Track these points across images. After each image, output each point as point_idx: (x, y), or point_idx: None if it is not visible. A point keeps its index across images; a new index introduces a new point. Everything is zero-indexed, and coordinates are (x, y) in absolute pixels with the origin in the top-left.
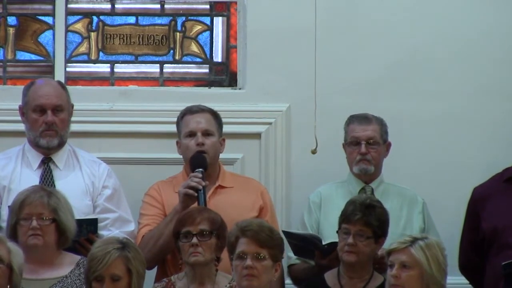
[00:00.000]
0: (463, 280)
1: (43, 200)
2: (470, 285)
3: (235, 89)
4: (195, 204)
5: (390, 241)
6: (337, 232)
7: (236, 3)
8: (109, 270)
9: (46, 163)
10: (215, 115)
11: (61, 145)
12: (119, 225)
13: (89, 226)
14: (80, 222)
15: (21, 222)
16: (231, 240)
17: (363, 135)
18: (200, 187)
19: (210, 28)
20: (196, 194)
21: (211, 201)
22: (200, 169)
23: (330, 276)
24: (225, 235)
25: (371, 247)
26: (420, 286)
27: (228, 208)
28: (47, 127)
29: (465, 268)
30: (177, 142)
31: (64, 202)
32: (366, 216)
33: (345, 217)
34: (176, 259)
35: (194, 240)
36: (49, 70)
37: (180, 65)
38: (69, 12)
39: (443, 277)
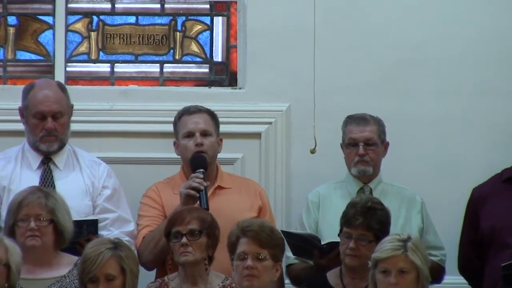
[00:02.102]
0: (462, 280)
1: (40, 201)
2: (469, 286)
3: (235, 89)
4: (197, 204)
5: None
6: (338, 235)
7: (236, 3)
8: (103, 270)
9: (46, 164)
10: (212, 115)
11: (61, 147)
12: (118, 225)
13: (90, 227)
14: (80, 223)
15: (19, 223)
16: (232, 240)
17: (361, 136)
18: (202, 187)
19: (210, 28)
20: (197, 195)
21: (210, 202)
22: (201, 170)
23: (332, 276)
24: (216, 234)
25: (373, 249)
26: (417, 287)
27: (227, 209)
28: (47, 133)
29: (465, 268)
30: (174, 143)
31: (62, 202)
32: (367, 220)
33: (346, 220)
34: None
35: (184, 239)
36: (49, 70)
37: (180, 64)
38: (69, 12)
39: (428, 272)
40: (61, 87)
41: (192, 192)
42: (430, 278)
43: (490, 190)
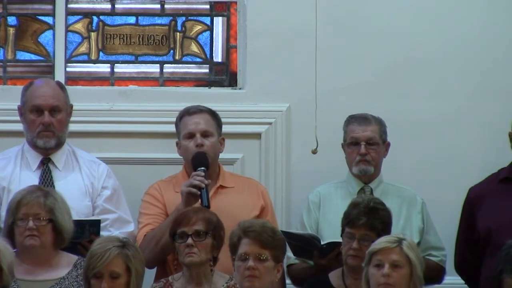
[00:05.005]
0: (460, 280)
1: (39, 200)
2: (466, 285)
3: (235, 89)
4: (198, 203)
5: None
6: (341, 235)
7: (236, 3)
8: (109, 267)
9: (46, 164)
10: (213, 115)
11: (58, 145)
12: (118, 225)
13: (92, 228)
14: (83, 223)
15: (17, 222)
16: (234, 240)
17: (363, 135)
18: (203, 185)
19: (210, 28)
20: (199, 193)
21: (212, 201)
22: (203, 168)
23: (334, 276)
24: (221, 235)
25: None
26: (409, 285)
27: (230, 208)
28: (44, 128)
29: (461, 268)
30: (176, 143)
31: (61, 202)
32: (370, 220)
33: (349, 221)
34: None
35: (189, 240)
36: (49, 70)
37: (180, 65)
38: (69, 12)
39: (423, 277)
40: (60, 85)
41: (194, 190)
42: (424, 280)
43: (486, 190)
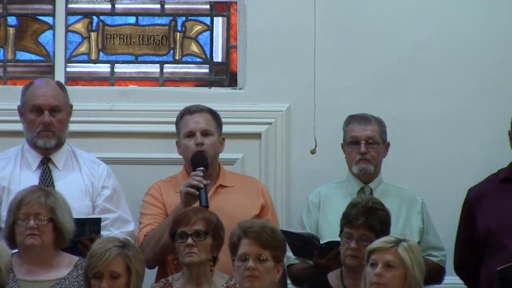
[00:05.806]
0: (460, 280)
1: (40, 200)
2: (466, 286)
3: (235, 89)
4: (197, 203)
5: None
6: (339, 235)
7: (236, 3)
8: (109, 267)
9: (45, 164)
10: (214, 114)
11: (59, 145)
12: (118, 225)
13: (92, 226)
14: (83, 222)
15: (18, 222)
16: (234, 240)
17: (363, 134)
18: (202, 185)
19: (210, 28)
20: (197, 193)
21: (212, 201)
22: (201, 168)
23: (333, 277)
24: (221, 235)
25: None
26: (403, 286)
27: (230, 207)
28: (44, 128)
29: (461, 268)
30: (176, 142)
31: (62, 201)
32: (369, 220)
33: (347, 221)
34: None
35: (189, 240)
36: (49, 70)
37: (180, 65)
38: (69, 12)
39: (422, 280)
40: (60, 85)
41: (192, 190)
42: (423, 281)
43: (486, 190)
